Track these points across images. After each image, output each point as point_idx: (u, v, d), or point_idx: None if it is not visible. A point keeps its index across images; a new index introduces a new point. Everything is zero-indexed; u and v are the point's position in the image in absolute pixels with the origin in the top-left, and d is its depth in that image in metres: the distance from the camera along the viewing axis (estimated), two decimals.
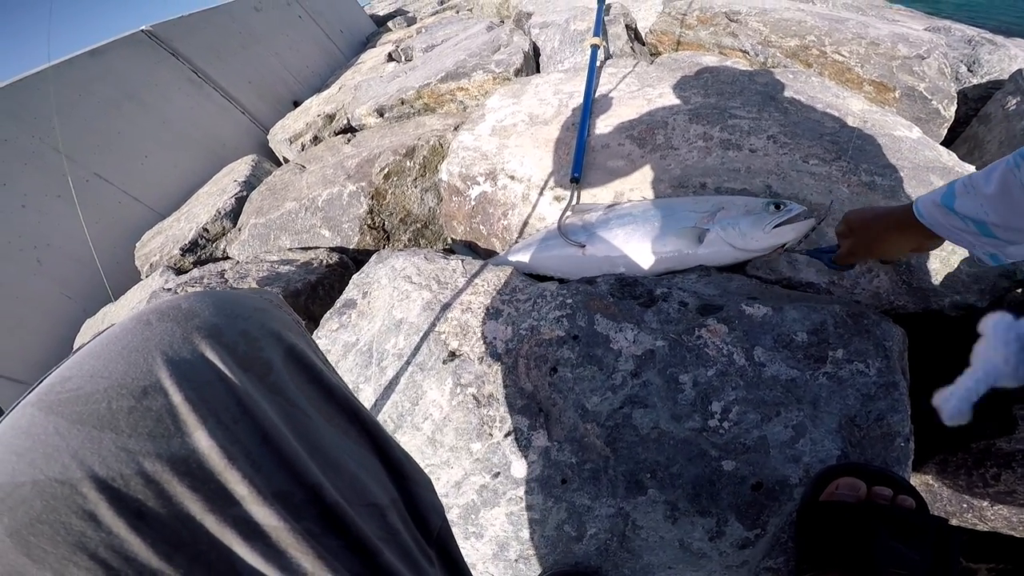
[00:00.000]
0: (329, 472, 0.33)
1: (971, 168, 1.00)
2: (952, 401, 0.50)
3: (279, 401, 0.33)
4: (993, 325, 0.49)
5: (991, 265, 0.60)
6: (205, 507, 0.27)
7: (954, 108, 1.27)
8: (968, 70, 1.59)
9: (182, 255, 1.70)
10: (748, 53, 1.54)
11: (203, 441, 0.28)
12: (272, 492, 0.29)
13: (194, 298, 0.33)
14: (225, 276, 1.37)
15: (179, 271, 1.68)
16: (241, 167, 2.10)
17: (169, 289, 1.39)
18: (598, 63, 1.44)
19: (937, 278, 0.85)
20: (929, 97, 1.27)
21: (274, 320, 0.37)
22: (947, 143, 1.31)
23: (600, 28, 1.61)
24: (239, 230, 1.72)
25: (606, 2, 1.75)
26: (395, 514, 0.38)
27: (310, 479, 0.31)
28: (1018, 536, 0.75)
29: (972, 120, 1.45)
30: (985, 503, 0.75)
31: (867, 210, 0.75)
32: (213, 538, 0.28)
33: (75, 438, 0.26)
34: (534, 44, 1.99)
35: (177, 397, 0.28)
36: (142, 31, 2.33)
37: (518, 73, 1.75)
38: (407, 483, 0.41)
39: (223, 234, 1.76)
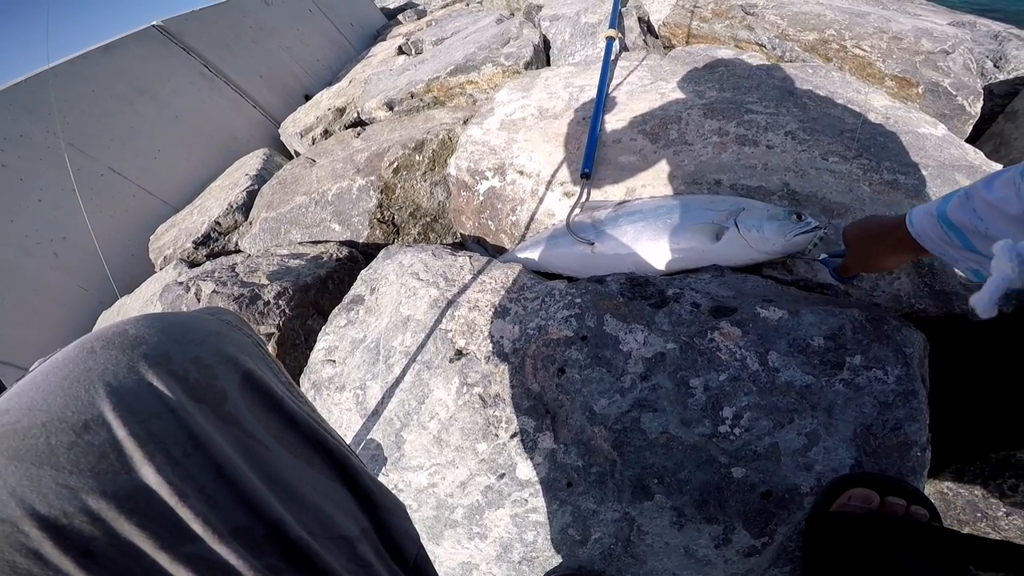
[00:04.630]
0: (292, 505, 0.32)
1: (998, 166, 0.97)
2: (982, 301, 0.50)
3: (235, 432, 0.32)
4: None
5: (974, 280, 0.57)
6: (156, 545, 0.27)
7: (980, 104, 1.23)
8: (994, 66, 1.54)
9: (195, 248, 1.72)
10: (765, 47, 1.51)
11: (151, 477, 0.27)
12: (229, 529, 0.28)
13: (142, 323, 0.32)
14: (236, 270, 1.38)
15: (192, 264, 1.69)
16: (252, 161, 2.10)
17: (182, 283, 1.40)
18: (612, 56, 1.41)
19: (961, 281, 0.82)
20: (954, 93, 1.22)
21: (230, 344, 0.35)
22: (972, 140, 1.27)
23: (616, 20, 1.58)
24: (250, 224, 1.72)
25: None
26: (366, 545, 0.37)
27: (271, 514, 0.30)
28: None
29: (998, 117, 1.40)
30: (1000, 513, 0.73)
31: (864, 224, 0.71)
32: None
33: (12, 475, 0.25)
34: (544, 37, 1.96)
35: (121, 431, 0.27)
36: (153, 26, 2.34)
37: (528, 66, 1.73)
38: (379, 512, 0.40)
39: (235, 228, 1.77)
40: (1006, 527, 0.71)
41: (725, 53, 1.43)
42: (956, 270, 0.59)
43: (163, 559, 0.27)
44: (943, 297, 0.82)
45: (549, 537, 0.74)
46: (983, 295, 0.49)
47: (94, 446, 0.26)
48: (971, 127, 1.25)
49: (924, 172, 0.93)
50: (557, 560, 0.75)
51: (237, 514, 0.29)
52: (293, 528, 0.31)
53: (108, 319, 1.79)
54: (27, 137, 1.83)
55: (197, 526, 0.27)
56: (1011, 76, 1.47)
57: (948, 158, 0.96)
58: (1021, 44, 1.51)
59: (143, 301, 1.64)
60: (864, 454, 0.64)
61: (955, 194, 0.54)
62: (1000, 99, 1.44)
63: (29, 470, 0.25)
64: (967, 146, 1.00)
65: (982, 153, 0.99)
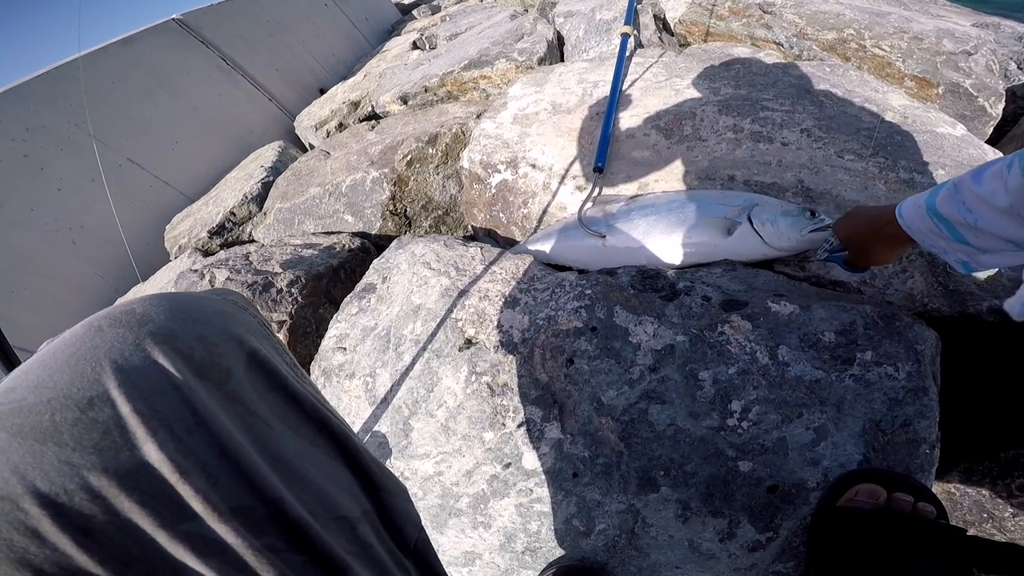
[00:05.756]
0: (293, 485, 0.32)
1: None
2: (1018, 305, 0.52)
3: (238, 410, 0.31)
4: None
5: (963, 273, 0.57)
6: (156, 523, 0.26)
7: (1002, 106, 1.21)
8: (1018, 67, 1.51)
9: (209, 238, 1.74)
10: (782, 45, 1.49)
11: (153, 454, 0.27)
12: (230, 507, 0.28)
13: (149, 302, 0.32)
14: (250, 259, 1.40)
15: (206, 253, 1.72)
16: (268, 153, 2.13)
17: (196, 270, 1.42)
18: (627, 53, 1.41)
19: (975, 281, 0.81)
20: (975, 94, 1.20)
21: (236, 323, 0.35)
22: (992, 142, 1.25)
23: (632, 16, 1.57)
24: (265, 214, 1.74)
25: None
26: (367, 526, 0.37)
27: (271, 493, 0.30)
28: None
29: (1021, 119, 1.38)
30: (1007, 514, 0.72)
31: (854, 219, 0.71)
32: (167, 555, 0.27)
33: (16, 452, 0.25)
34: (558, 33, 1.96)
35: (125, 408, 0.27)
36: (173, 20, 2.38)
37: (541, 62, 1.73)
38: (380, 494, 0.40)
39: (249, 218, 1.80)
40: (1012, 528, 0.70)
41: (742, 51, 1.42)
42: (947, 262, 0.58)
43: (162, 537, 0.27)
44: (957, 296, 0.81)
45: (553, 528, 0.74)
46: (1019, 301, 0.51)
47: (98, 422, 0.26)
48: (992, 129, 1.23)
49: (941, 171, 0.92)
50: (560, 551, 0.75)
51: (238, 492, 0.29)
52: (294, 507, 0.31)
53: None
54: (48, 128, 1.87)
55: (197, 504, 0.27)
56: None
57: (966, 158, 0.95)
58: None
59: (157, 289, 1.67)
60: (872, 450, 0.63)
61: (943, 186, 0.54)
62: (1023, 101, 1.41)
63: (32, 447, 0.25)
64: (986, 146, 0.99)
65: (1001, 154, 0.97)
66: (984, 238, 0.50)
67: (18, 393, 0.26)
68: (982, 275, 0.78)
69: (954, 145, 0.98)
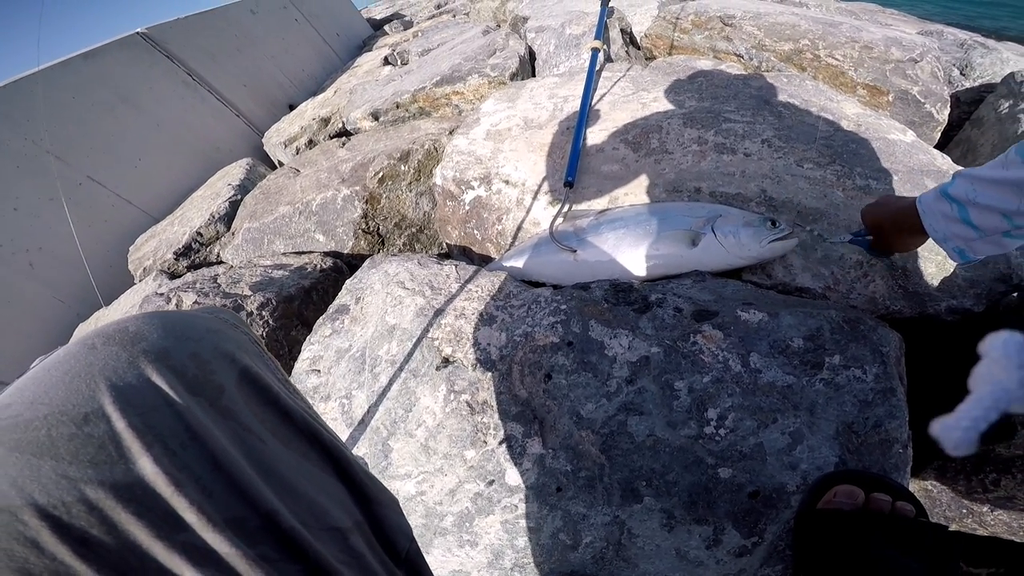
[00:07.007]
0: (286, 497, 0.33)
1: None
2: (956, 431, 0.46)
3: (231, 425, 0.33)
4: (1001, 344, 0.45)
5: (959, 262, 0.62)
6: (152, 534, 0.27)
7: (947, 111, 1.28)
8: (961, 73, 1.60)
9: (175, 259, 1.69)
10: (742, 57, 1.55)
11: (148, 468, 0.28)
12: (224, 518, 0.29)
13: (142, 320, 0.33)
14: (218, 281, 1.36)
15: (172, 275, 1.66)
16: (235, 171, 2.08)
17: (162, 294, 1.38)
18: (596, 67, 1.44)
19: (933, 282, 0.85)
20: (922, 100, 1.27)
21: (228, 341, 0.36)
22: (940, 146, 1.32)
23: (602, 31, 1.61)
24: (233, 234, 1.70)
25: (609, 4, 1.74)
26: (359, 537, 0.38)
27: (265, 504, 0.31)
28: (1018, 541, 0.75)
29: (965, 124, 1.46)
30: (985, 508, 0.75)
31: (883, 207, 0.77)
32: (162, 565, 0.28)
33: (13, 466, 0.26)
34: (530, 48, 1.99)
35: (120, 423, 0.28)
36: (137, 33, 2.32)
37: (513, 77, 1.74)
38: (372, 505, 0.41)
39: (217, 238, 1.75)
40: (992, 522, 0.73)
41: (704, 64, 1.46)
42: (945, 250, 0.63)
43: (158, 548, 0.27)
44: (917, 298, 0.85)
45: (540, 543, 0.74)
46: (960, 423, 0.45)
47: (93, 438, 0.27)
48: (939, 134, 1.30)
49: (895, 177, 0.96)
50: (549, 566, 0.74)
51: (232, 504, 0.30)
52: (286, 518, 0.32)
53: (86, 331, 1.74)
54: (4, 144, 1.79)
55: (192, 515, 0.28)
56: (976, 84, 1.53)
57: (917, 163, 1.00)
58: (986, 52, 1.57)
59: (122, 313, 1.61)
60: (847, 452, 0.65)
61: (960, 172, 0.60)
62: (967, 106, 1.49)
63: (30, 461, 0.26)
64: (935, 151, 1.04)
65: (949, 158, 1.03)
66: (983, 214, 0.55)
67: (14, 409, 0.27)
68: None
69: (905, 151, 1.03)
